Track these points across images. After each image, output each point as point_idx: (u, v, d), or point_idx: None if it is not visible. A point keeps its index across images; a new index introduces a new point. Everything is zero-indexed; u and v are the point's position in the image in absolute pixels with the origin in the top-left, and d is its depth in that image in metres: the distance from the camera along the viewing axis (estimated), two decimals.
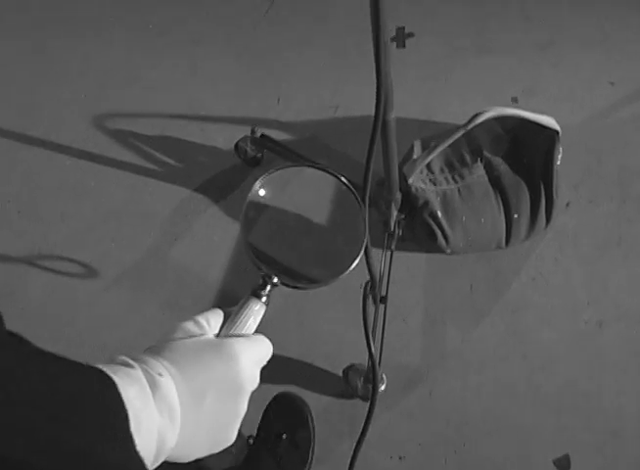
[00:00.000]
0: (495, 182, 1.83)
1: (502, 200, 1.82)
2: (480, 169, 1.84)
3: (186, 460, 0.59)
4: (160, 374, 0.55)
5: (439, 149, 1.73)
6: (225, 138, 2.22)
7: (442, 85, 2.28)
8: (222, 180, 2.14)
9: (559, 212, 1.95)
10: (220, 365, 0.59)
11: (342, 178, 0.73)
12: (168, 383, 0.55)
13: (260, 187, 0.72)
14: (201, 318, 0.64)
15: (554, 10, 2.50)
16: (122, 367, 0.53)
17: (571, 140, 2.07)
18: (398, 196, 1.70)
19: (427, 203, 1.77)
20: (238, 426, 0.62)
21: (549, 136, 1.81)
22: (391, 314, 1.81)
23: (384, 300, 1.64)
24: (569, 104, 2.22)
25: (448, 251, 1.82)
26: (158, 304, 2.00)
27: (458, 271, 1.91)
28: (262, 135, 2.01)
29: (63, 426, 0.44)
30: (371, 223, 1.67)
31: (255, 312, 0.67)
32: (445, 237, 1.79)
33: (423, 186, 1.79)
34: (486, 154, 1.85)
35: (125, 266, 2.07)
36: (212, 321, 0.65)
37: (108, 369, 0.51)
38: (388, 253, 1.73)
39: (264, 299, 0.68)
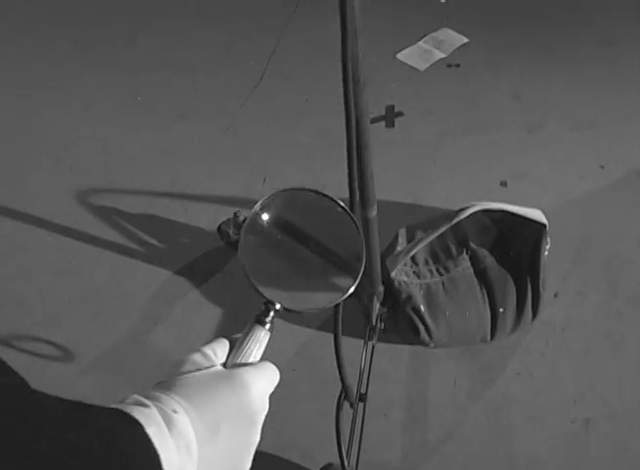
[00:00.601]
0: (481, 275, 1.82)
1: (487, 293, 1.81)
2: (465, 262, 1.83)
3: None
4: (174, 411, 0.56)
5: (424, 243, 1.73)
6: (209, 218, 2.22)
7: (430, 167, 2.29)
8: (205, 263, 2.14)
9: (546, 304, 1.93)
10: (232, 397, 0.61)
11: (341, 203, 0.74)
12: (184, 419, 0.56)
13: (260, 210, 0.72)
14: (207, 349, 0.65)
15: (544, 90, 2.53)
16: (137, 407, 0.54)
17: (561, 227, 2.08)
18: (381, 289, 1.69)
19: (410, 297, 1.76)
20: (252, 454, 0.63)
21: (536, 229, 1.82)
22: (372, 409, 1.78)
23: (363, 397, 1.62)
24: (558, 189, 2.23)
25: (432, 345, 1.80)
26: (135, 389, 1.97)
27: (442, 365, 1.89)
28: (245, 219, 2.01)
29: None
30: (352, 314, 1.66)
31: (260, 340, 0.68)
32: (428, 332, 1.77)
33: (406, 279, 1.78)
34: (473, 245, 1.85)
35: (103, 350, 2.05)
36: (219, 351, 0.66)
37: (126, 410, 0.52)
38: (370, 347, 1.72)
39: (268, 326, 0.69)
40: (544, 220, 1.79)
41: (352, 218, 0.73)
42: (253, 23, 2.99)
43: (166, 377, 0.63)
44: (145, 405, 0.54)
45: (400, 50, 2.71)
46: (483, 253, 1.84)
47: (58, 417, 0.45)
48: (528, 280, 1.81)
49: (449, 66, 2.64)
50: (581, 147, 2.34)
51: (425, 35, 2.78)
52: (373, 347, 1.73)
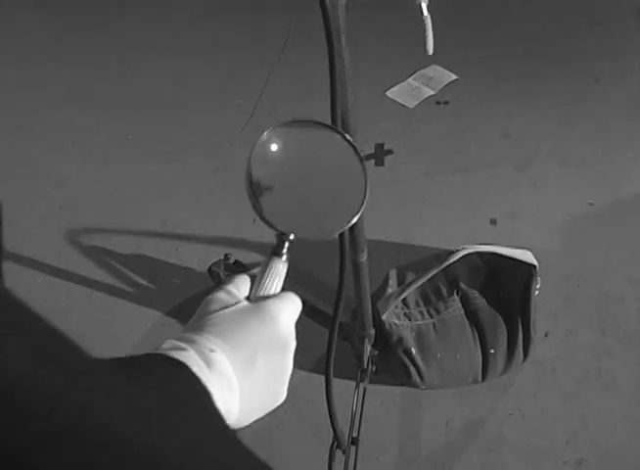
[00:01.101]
0: (472, 316, 1.85)
1: (479, 334, 1.84)
2: (456, 303, 1.86)
3: (245, 425, 0.63)
4: (211, 350, 0.58)
5: (414, 286, 1.76)
6: (200, 259, 2.25)
7: (420, 206, 2.33)
8: (195, 304, 2.15)
9: (537, 343, 1.96)
10: (263, 329, 0.63)
11: (347, 136, 0.75)
12: (221, 357, 0.58)
13: (265, 141, 0.73)
14: (231, 287, 0.68)
15: (532, 127, 2.58)
16: (176, 351, 0.56)
17: (550, 265, 2.11)
18: (372, 332, 1.72)
19: (401, 339, 1.79)
20: (287, 381, 0.66)
21: (527, 270, 1.85)
22: (364, 452, 1.80)
23: (355, 440, 1.64)
24: (548, 227, 2.27)
25: (423, 387, 1.83)
26: None
27: (433, 406, 1.92)
28: (236, 261, 2.05)
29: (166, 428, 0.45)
30: (344, 356, 1.68)
31: (279, 271, 0.70)
32: (420, 374, 1.80)
33: (397, 322, 1.81)
34: (463, 286, 1.88)
35: None
36: (242, 287, 0.69)
37: (168, 354, 0.55)
38: (362, 389, 1.74)
39: (284, 257, 0.71)
40: (534, 261, 1.83)
41: (356, 150, 0.75)
42: (243, 60, 3.04)
43: (195, 318, 0.65)
44: (183, 349, 0.57)
45: (390, 87, 2.76)
46: (474, 294, 1.87)
47: (110, 370, 0.46)
48: (519, 321, 1.84)
49: (438, 103, 2.69)
50: (570, 184, 2.39)
51: (414, 72, 2.83)
52: (364, 389, 1.75)
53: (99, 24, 3.39)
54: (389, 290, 1.83)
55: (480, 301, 1.87)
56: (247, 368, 0.61)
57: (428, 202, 2.35)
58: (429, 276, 1.76)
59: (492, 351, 1.83)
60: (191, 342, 0.59)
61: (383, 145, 2.50)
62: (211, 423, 0.52)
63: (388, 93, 2.73)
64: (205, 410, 0.52)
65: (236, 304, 0.66)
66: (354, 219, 0.73)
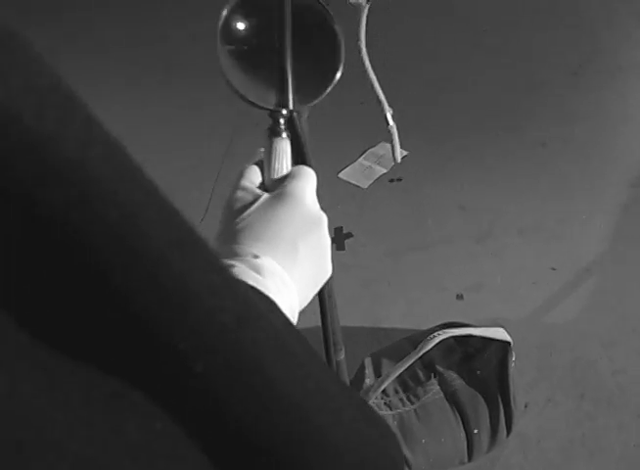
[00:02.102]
0: (452, 398, 1.89)
1: (460, 416, 1.87)
2: (434, 386, 1.90)
3: (305, 305, 0.66)
4: (255, 256, 0.60)
5: (392, 377, 1.80)
6: None
7: (385, 288, 2.39)
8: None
9: (518, 417, 2.01)
10: (292, 215, 0.65)
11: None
12: (267, 259, 0.61)
13: (229, 14, 0.71)
14: (245, 182, 0.70)
15: (487, 197, 2.68)
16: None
17: (521, 336, 2.17)
18: None
19: None
20: (329, 254, 0.70)
21: (501, 347, 1.90)
22: None
23: None
24: (514, 296, 2.34)
25: None
26: None
27: None
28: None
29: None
30: None
31: (284, 149, 0.71)
32: (406, 462, 1.82)
33: (378, 412, 1.83)
34: (440, 369, 1.92)
35: None
36: (254, 178, 0.71)
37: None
38: None
39: (284, 134, 0.72)
40: (508, 338, 1.89)
41: (328, 12, 0.74)
42: (191, 157, 3.10)
43: (224, 227, 0.67)
44: (230, 265, 0.59)
45: (342, 169, 2.84)
46: (451, 375, 1.91)
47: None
48: (499, 398, 1.88)
49: (392, 180, 2.78)
50: (531, 251, 2.47)
51: (364, 151, 2.92)
52: None
53: None
54: (367, 380, 1.87)
55: (458, 382, 1.91)
56: (293, 259, 0.63)
57: (392, 282, 2.40)
58: (406, 366, 1.80)
59: (476, 431, 1.86)
60: (233, 254, 0.61)
61: (341, 228, 2.56)
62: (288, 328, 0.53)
63: (341, 175, 2.81)
64: (277, 320, 0.53)
65: (256, 198, 0.67)
66: (339, 71, 0.73)
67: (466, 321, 2.02)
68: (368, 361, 1.94)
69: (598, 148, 2.93)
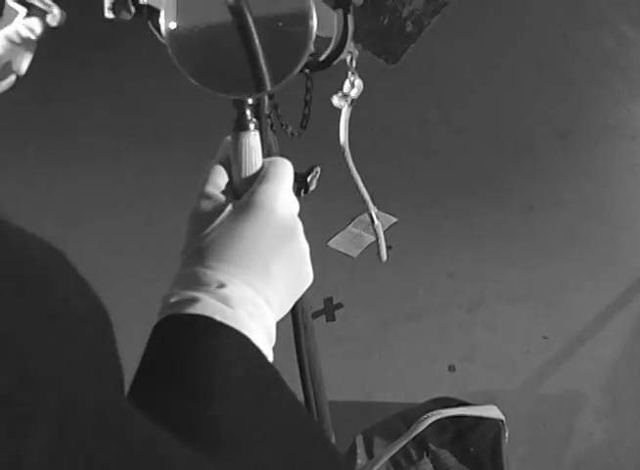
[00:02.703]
0: None
1: None
2: (427, 465, 1.90)
3: (281, 316, 0.63)
4: (221, 285, 0.57)
5: (385, 459, 1.79)
6: None
7: (377, 360, 2.39)
8: None
9: None
10: (261, 228, 0.61)
11: None
12: (235, 286, 0.57)
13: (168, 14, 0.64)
14: (209, 188, 0.65)
15: (476, 265, 2.69)
16: (188, 305, 0.55)
17: (514, 408, 2.17)
18: None
19: None
20: (309, 261, 0.66)
21: (494, 424, 1.90)
22: None
23: None
24: (506, 366, 2.34)
25: None
26: None
27: None
28: None
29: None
30: None
31: (253, 144, 0.65)
32: None
33: None
34: (432, 447, 1.92)
35: None
36: (220, 181, 0.66)
37: (184, 311, 0.55)
38: None
39: (252, 126, 0.65)
40: (501, 416, 1.89)
41: None
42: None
43: (188, 243, 0.63)
44: (194, 299, 0.56)
45: (331, 237, 2.86)
46: (445, 454, 1.91)
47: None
48: None
49: None
50: (522, 319, 2.48)
51: (353, 219, 2.95)
52: None
53: None
54: (359, 461, 1.86)
55: (451, 460, 1.90)
56: (265, 277, 0.60)
57: (383, 354, 2.41)
58: (398, 448, 1.80)
59: None
60: (197, 282, 0.57)
61: (332, 299, 2.57)
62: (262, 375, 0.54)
63: (331, 243, 2.83)
64: (243, 360, 0.53)
65: (222, 208, 0.62)
66: (310, 47, 0.64)
67: (458, 394, 2.03)
68: (359, 440, 1.94)
69: (587, 211, 2.96)
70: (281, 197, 0.63)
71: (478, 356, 2.38)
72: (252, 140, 0.65)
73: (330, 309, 2.53)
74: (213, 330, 0.54)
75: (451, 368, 2.34)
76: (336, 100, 0.96)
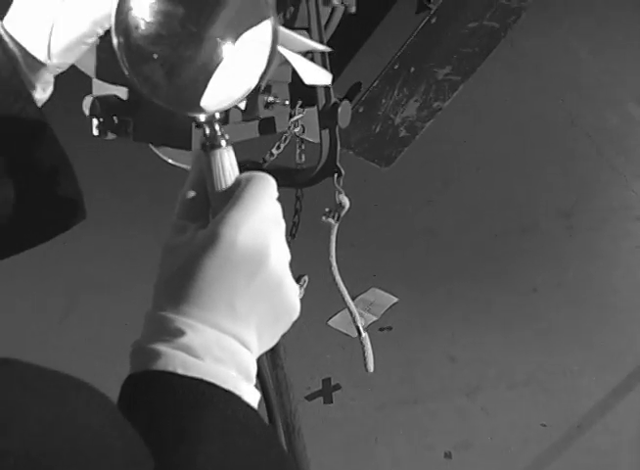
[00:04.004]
0: None
1: None
2: None
3: (265, 350, 0.61)
4: (182, 332, 0.55)
5: None
6: None
7: (372, 445, 2.38)
8: None
9: None
10: (221, 264, 0.57)
11: None
12: (198, 333, 0.55)
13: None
14: (178, 219, 0.62)
15: (476, 348, 2.70)
16: (155, 360, 0.55)
17: None
18: None
19: None
20: (288, 290, 0.61)
21: None
22: None
23: None
24: (504, 455, 2.33)
25: None
26: None
27: None
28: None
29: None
30: None
31: (228, 162, 0.61)
32: None
33: None
34: None
35: None
36: (193, 209, 0.62)
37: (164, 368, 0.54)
38: None
39: (223, 141, 0.61)
40: None
41: None
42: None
43: (158, 272, 0.60)
44: (157, 354, 0.55)
45: (331, 317, 2.88)
46: None
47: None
48: None
49: (382, 329, 2.81)
50: (520, 406, 2.48)
51: (354, 297, 2.96)
52: None
53: None
54: None
55: None
56: (232, 316, 0.57)
57: (379, 439, 2.40)
58: None
59: None
60: (161, 330, 0.56)
61: (330, 380, 2.57)
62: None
63: (331, 323, 2.84)
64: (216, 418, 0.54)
65: (188, 241, 0.59)
66: (272, 54, 0.60)
67: None
68: None
69: (590, 294, 2.97)
70: (245, 225, 0.57)
71: (475, 444, 2.37)
72: (225, 157, 0.61)
73: (327, 391, 2.53)
74: (177, 385, 0.54)
75: (447, 455, 2.33)
76: (324, 218, 1.00)
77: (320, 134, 0.93)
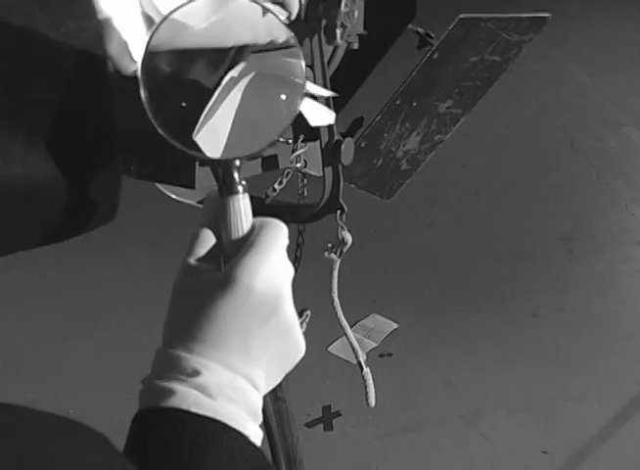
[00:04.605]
0: None
1: None
2: None
3: (270, 389, 0.63)
4: (196, 372, 0.57)
5: None
6: None
7: None
8: None
9: None
10: (238, 306, 0.58)
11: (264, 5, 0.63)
12: (212, 372, 0.57)
13: (153, 50, 0.59)
14: (191, 259, 0.62)
15: (476, 374, 2.69)
16: (168, 397, 0.56)
17: None
18: None
19: None
20: (297, 333, 0.63)
21: None
22: None
23: None
24: None
25: None
26: None
27: None
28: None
29: None
30: None
31: (243, 209, 0.62)
32: None
33: None
34: None
35: None
36: (206, 250, 0.62)
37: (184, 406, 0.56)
38: None
39: (241, 188, 0.62)
40: None
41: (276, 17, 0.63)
42: None
43: (169, 310, 0.61)
44: (170, 391, 0.56)
45: (331, 343, 2.87)
46: None
47: None
48: None
49: (382, 356, 2.81)
50: (521, 432, 2.47)
51: (354, 323, 2.96)
52: None
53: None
54: None
55: None
56: (245, 357, 0.59)
57: (380, 467, 2.39)
58: None
59: None
60: (173, 369, 0.58)
61: (330, 407, 2.56)
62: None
63: (331, 349, 2.84)
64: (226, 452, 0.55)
65: (202, 283, 0.60)
66: (300, 104, 0.62)
67: None
68: None
69: (590, 319, 2.97)
70: (262, 271, 0.59)
71: (476, 466, 2.35)
72: (241, 204, 0.62)
73: (328, 418, 2.52)
74: (189, 422, 0.55)
75: None
76: (326, 253, 1.00)
77: (323, 171, 0.93)
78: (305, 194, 1.08)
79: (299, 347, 0.64)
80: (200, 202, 1.05)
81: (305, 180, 1.07)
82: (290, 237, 0.66)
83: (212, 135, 0.62)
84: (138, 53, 0.61)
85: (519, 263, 3.28)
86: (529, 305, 3.04)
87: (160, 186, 0.98)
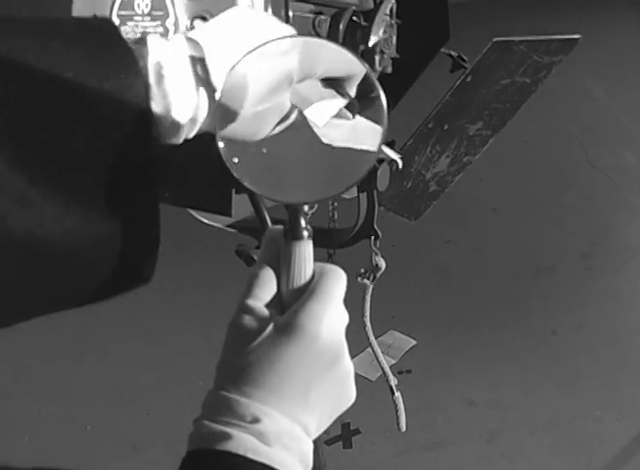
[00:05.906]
0: None
1: None
2: None
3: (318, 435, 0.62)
4: (256, 419, 0.56)
5: None
6: None
7: None
8: None
9: None
10: (302, 354, 0.58)
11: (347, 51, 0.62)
12: (271, 420, 0.56)
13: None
14: (252, 302, 0.60)
15: (497, 391, 2.67)
16: (224, 441, 0.55)
17: None
18: None
19: None
20: (352, 382, 0.65)
21: None
22: None
23: None
24: None
25: None
26: None
27: None
28: None
29: None
30: None
31: (306, 255, 0.61)
32: None
33: None
34: None
35: None
36: (266, 293, 0.61)
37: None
38: None
39: (306, 234, 0.61)
40: None
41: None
42: (197, 340, 3.12)
43: (224, 353, 0.60)
44: (227, 435, 0.56)
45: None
46: None
47: None
48: None
49: (401, 372, 2.79)
50: (542, 452, 2.45)
51: None
52: None
53: None
54: None
55: None
56: (304, 405, 0.59)
57: None
58: None
59: None
60: (230, 412, 0.57)
61: (349, 424, 2.55)
62: None
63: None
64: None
65: (263, 327, 0.59)
66: (375, 154, 0.61)
67: None
68: None
69: (610, 336, 2.94)
70: (327, 319, 0.59)
71: None
72: (305, 250, 0.61)
73: (347, 436, 2.51)
74: (244, 468, 0.55)
75: None
76: (359, 279, 1.00)
77: (358, 197, 0.93)
78: (336, 217, 1.07)
79: (352, 394, 0.66)
80: (229, 226, 1.04)
81: (336, 203, 1.06)
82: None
83: (283, 178, 0.62)
84: (182, 115, 0.61)
85: (538, 280, 3.26)
86: (549, 322, 3.02)
87: (190, 210, 0.97)
